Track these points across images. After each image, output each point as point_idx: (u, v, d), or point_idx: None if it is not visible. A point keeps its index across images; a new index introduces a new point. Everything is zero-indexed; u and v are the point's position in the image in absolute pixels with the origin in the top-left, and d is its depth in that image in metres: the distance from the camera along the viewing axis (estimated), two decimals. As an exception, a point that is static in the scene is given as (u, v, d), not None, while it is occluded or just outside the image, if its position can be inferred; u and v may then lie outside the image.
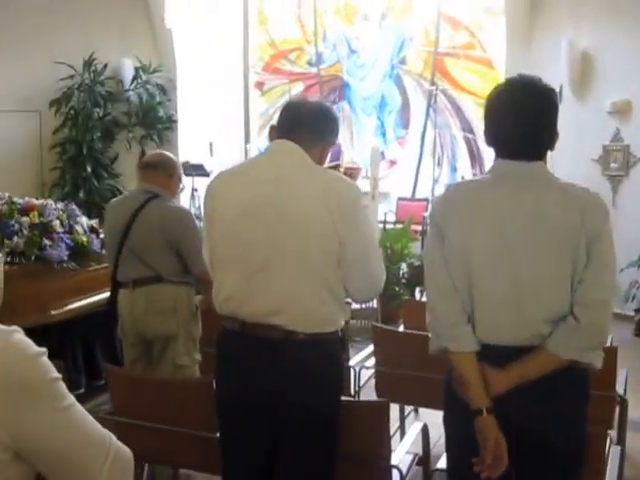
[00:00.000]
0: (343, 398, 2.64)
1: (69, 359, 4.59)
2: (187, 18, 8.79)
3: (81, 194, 8.46)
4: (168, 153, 3.91)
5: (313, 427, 2.39)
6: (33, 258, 4.32)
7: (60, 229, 4.55)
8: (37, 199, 4.79)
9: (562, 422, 2.13)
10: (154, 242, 3.58)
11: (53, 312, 4.43)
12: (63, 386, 1.16)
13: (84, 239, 4.66)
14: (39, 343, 3.83)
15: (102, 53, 8.64)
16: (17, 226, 4.34)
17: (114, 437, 1.22)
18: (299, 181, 2.38)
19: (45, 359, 1.14)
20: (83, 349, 4.68)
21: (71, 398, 1.17)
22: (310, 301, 2.32)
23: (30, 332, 3.85)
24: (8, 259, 4.21)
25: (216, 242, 2.48)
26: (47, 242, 4.39)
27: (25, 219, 4.40)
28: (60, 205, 4.79)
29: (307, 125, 2.47)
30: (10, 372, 1.07)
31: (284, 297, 2.32)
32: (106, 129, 8.89)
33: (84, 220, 4.86)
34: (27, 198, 4.62)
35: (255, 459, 2.48)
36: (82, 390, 4.53)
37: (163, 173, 3.71)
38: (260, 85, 10.47)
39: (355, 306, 6.59)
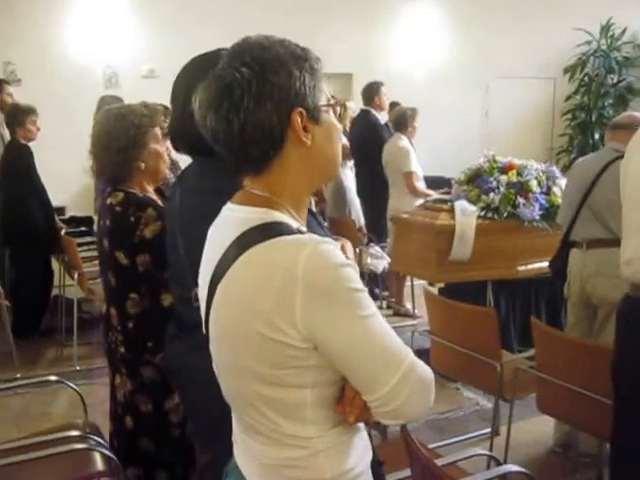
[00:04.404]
0: None
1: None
2: None
3: (587, 161, 8.41)
4: (638, 114, 3.74)
5: None
6: (505, 214, 4.53)
7: (537, 189, 4.67)
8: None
9: None
10: (617, 203, 3.48)
11: (520, 268, 4.62)
12: (365, 297, 1.20)
13: (560, 201, 4.71)
14: (509, 295, 4.01)
15: (620, 17, 8.38)
16: (495, 183, 4.61)
17: (412, 354, 1.24)
18: None
19: (349, 270, 1.19)
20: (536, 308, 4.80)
21: (372, 309, 1.20)
22: None
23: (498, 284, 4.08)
24: (482, 213, 4.51)
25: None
26: (521, 200, 4.57)
27: (503, 177, 4.64)
28: (542, 166, 4.91)
29: None
30: (313, 276, 1.15)
31: None
32: (619, 96, 8.65)
33: (564, 182, 4.89)
34: (509, 158, 4.85)
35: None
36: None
37: (631, 133, 3.59)
38: None
39: None
